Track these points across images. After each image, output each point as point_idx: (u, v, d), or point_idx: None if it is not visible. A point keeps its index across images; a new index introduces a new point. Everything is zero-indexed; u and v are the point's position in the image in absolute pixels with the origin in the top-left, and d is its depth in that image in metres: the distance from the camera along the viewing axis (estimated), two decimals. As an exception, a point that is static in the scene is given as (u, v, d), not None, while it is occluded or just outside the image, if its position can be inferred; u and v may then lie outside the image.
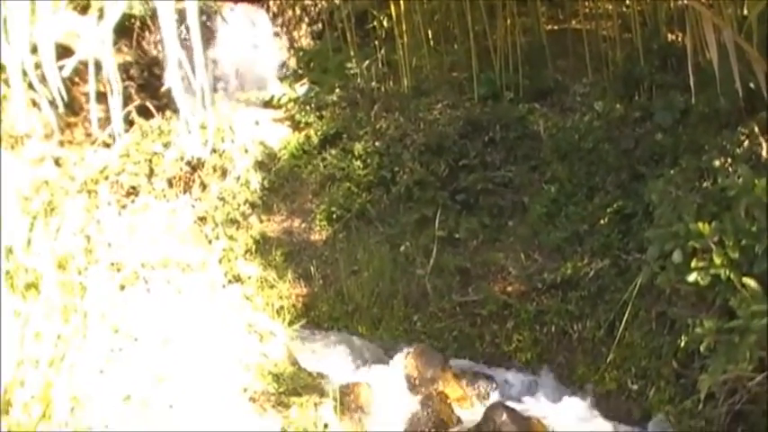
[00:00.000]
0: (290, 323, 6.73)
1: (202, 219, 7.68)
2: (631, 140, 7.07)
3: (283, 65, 10.12)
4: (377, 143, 8.02)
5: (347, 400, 5.71)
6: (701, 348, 4.53)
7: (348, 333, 7.05)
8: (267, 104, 9.34)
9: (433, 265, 7.15)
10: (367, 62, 9.09)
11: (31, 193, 5.99)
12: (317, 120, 8.69)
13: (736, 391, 4.86)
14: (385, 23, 9.36)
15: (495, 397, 6.14)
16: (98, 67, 4.65)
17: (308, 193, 8.17)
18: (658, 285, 5.29)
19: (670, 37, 7.98)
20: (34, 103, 5.11)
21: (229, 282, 7.10)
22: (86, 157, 7.52)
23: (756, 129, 5.69)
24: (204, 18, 9.16)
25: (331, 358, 6.54)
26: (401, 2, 8.75)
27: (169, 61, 4.46)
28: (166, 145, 7.83)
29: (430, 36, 9.05)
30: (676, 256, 4.79)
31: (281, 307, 7.13)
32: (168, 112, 8.00)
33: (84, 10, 5.76)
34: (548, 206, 7.13)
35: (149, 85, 8.62)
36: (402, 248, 7.34)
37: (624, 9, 8.59)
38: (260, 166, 8.25)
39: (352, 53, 9.22)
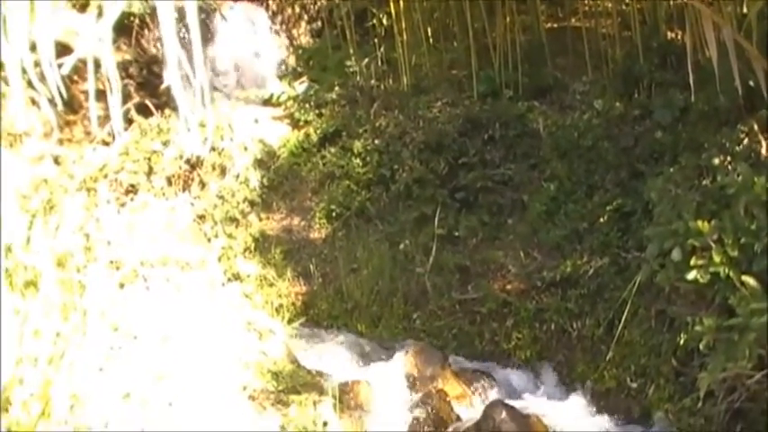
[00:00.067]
0: (290, 321, 6.74)
1: (201, 217, 7.68)
2: (631, 138, 7.07)
3: (282, 63, 10.11)
4: (376, 141, 8.01)
5: (346, 399, 5.71)
6: (701, 346, 4.53)
7: (347, 331, 7.05)
8: (266, 102, 9.33)
9: (432, 263, 7.15)
10: (366, 60, 9.08)
11: (31, 191, 5.98)
12: (317, 118, 8.68)
13: (735, 389, 4.87)
14: (384, 21, 9.35)
15: (494, 395, 6.13)
16: (97, 65, 4.65)
17: (307, 191, 8.17)
18: (658, 283, 5.29)
19: (669, 35, 7.97)
20: (33, 102, 5.11)
21: (229, 280, 7.11)
22: (85, 155, 7.51)
23: (756, 127, 5.68)
24: (203, 16, 9.14)
25: (330, 356, 6.54)
26: (400, 0, 8.74)
27: (168, 59, 4.46)
28: (166, 143, 7.83)
29: (429, 34, 9.04)
30: (676, 254, 4.79)
31: (281, 305, 7.13)
32: (167, 111, 8.00)
33: (83, 8, 5.75)
34: (547, 204, 7.13)
35: (148, 84, 8.60)
36: (401, 246, 7.33)
37: (624, 7, 8.58)
38: (259, 164, 8.24)
39: (351, 51, 9.21)
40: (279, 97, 9.22)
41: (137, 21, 9.11)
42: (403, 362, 6.22)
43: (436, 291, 7.02)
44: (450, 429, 5.64)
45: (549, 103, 8.07)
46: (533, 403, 6.01)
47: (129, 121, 7.80)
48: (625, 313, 6.04)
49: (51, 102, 4.67)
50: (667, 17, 8.14)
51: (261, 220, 7.90)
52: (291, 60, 10.13)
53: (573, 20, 8.98)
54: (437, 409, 5.76)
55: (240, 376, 5.52)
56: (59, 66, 4.43)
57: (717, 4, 6.18)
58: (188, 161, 7.83)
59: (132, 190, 7.55)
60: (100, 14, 4.52)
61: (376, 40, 9.31)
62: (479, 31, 8.58)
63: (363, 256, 7.36)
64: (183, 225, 7.14)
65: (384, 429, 5.67)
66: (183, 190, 7.78)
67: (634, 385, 5.89)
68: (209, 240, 7.46)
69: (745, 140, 5.71)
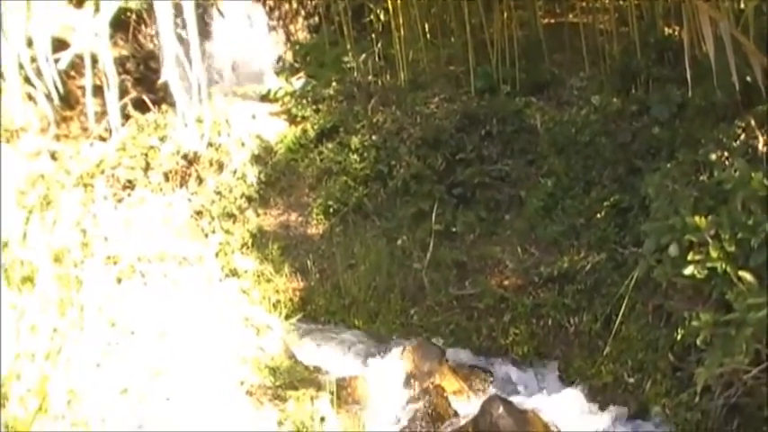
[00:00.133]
0: (287, 317, 6.75)
1: (199, 212, 7.68)
2: (628, 134, 7.07)
3: (280, 58, 10.10)
4: (374, 137, 8.01)
5: (344, 394, 5.71)
6: (698, 341, 4.54)
7: (345, 327, 7.06)
8: (264, 98, 9.32)
9: (429, 258, 7.15)
10: (364, 56, 9.07)
11: (28, 186, 5.98)
12: (314, 113, 8.67)
13: (732, 384, 4.88)
14: (382, 17, 9.34)
15: (491, 390, 6.13)
16: (94, 60, 4.65)
17: (304, 186, 8.16)
18: (655, 279, 5.29)
19: (667, 30, 7.96)
20: (30, 97, 5.11)
21: (226, 276, 7.11)
22: (82, 150, 7.51)
23: (753, 122, 5.68)
24: (200, 11, 9.13)
25: (328, 352, 6.54)
26: (398, -5, 8.75)
27: (166, 55, 4.46)
28: (163, 139, 7.82)
29: (427, 29, 9.04)
30: (673, 250, 4.80)
31: (278, 301, 7.13)
32: (164, 106, 7.99)
33: (79, 3, 5.74)
34: (544, 200, 7.13)
35: (146, 79, 8.60)
36: (399, 242, 7.34)
37: (621, 2, 8.57)
38: (256, 159, 8.24)
39: (348, 47, 9.20)
40: (276, 93, 9.22)
41: (134, 16, 9.10)
42: (400, 357, 6.22)
43: (433, 286, 7.02)
44: (448, 425, 5.63)
45: (546, 99, 8.07)
46: (531, 399, 6.02)
47: (126, 117, 7.79)
48: (622, 308, 6.04)
49: (48, 97, 4.67)
50: (665, 13, 8.14)
51: (258, 215, 7.89)
52: (288, 56, 10.13)
53: (570, 16, 8.99)
54: (434, 404, 5.76)
55: (237, 372, 5.52)
56: (56, 61, 4.43)
57: (714, -1, 6.18)
58: (185, 157, 7.83)
59: (129, 186, 7.55)
60: (97, 10, 4.52)
61: (373, 36, 9.31)
62: (477, 27, 8.58)
63: (361, 252, 7.37)
64: (180, 221, 7.14)
65: (381, 425, 5.68)
66: (181, 186, 7.78)
67: (631, 380, 5.89)
68: (206, 236, 7.46)
69: (743, 136, 5.71)
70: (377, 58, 9.12)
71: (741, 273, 4.39)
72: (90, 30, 4.55)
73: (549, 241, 6.92)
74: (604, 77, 7.93)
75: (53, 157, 7.12)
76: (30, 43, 4.45)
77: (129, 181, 7.57)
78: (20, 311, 4.44)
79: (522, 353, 6.58)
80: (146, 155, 7.72)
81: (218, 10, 9.72)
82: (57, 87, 4.43)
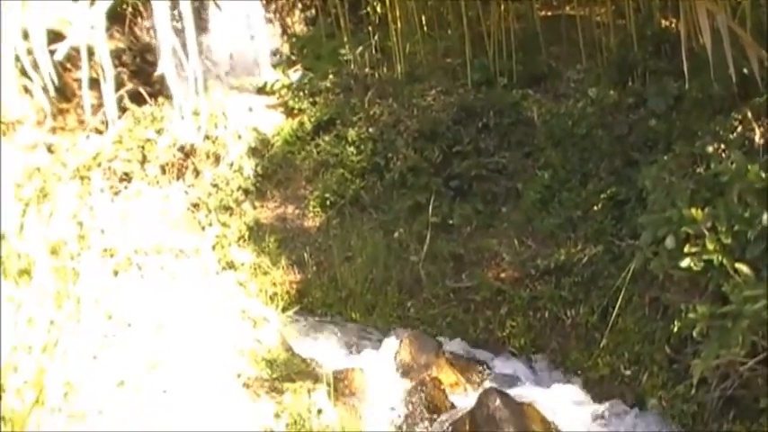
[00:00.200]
0: (284, 309, 6.74)
1: (196, 205, 7.68)
2: (625, 126, 7.07)
3: (276, 51, 10.10)
4: (370, 129, 8.02)
5: (341, 386, 5.71)
6: (694, 333, 4.54)
7: (342, 319, 7.07)
8: (260, 91, 9.33)
9: (426, 251, 7.16)
10: (360, 48, 9.07)
11: (24, 179, 5.97)
12: (311, 106, 8.68)
13: (728, 376, 4.89)
14: (378, 9, 9.33)
15: (488, 382, 6.14)
16: (90, 53, 4.63)
17: (301, 179, 8.17)
18: (651, 271, 5.31)
19: (664, 23, 7.96)
20: (26, 90, 5.10)
21: (223, 268, 7.11)
22: (79, 143, 7.50)
23: (750, 114, 5.68)
24: (197, 4, 9.11)
25: (324, 344, 6.55)
26: (395, -12, 8.73)
27: (162, 48, 4.45)
28: (159, 131, 7.82)
29: (423, 22, 9.04)
30: (669, 242, 4.80)
31: (275, 293, 7.14)
32: (161, 99, 7.99)
33: (76, -5, 5.73)
34: (541, 192, 7.14)
35: (142, 72, 8.59)
36: (396, 235, 7.35)
37: (618, -5, 8.58)
38: (253, 152, 8.24)
39: (345, 39, 9.20)
40: (273, 85, 9.22)
41: (130, 8, 9.09)
42: (397, 350, 6.23)
43: (430, 279, 7.03)
44: (445, 417, 5.64)
45: (543, 92, 8.07)
46: (527, 390, 6.02)
47: (122, 110, 7.79)
48: (619, 301, 6.05)
49: (44, 90, 4.65)
50: (661, 5, 8.13)
51: (255, 208, 7.90)
52: (285, 49, 10.12)
53: (567, 8, 8.98)
54: (431, 396, 5.76)
55: (234, 364, 5.52)
56: (52, 53, 4.42)
57: (711, -9, 6.17)
58: (182, 149, 7.83)
59: (126, 178, 7.55)
60: (93, 2, 4.50)
61: (370, 28, 9.30)
62: (474, 20, 8.57)
63: (357, 245, 7.37)
64: (177, 213, 7.13)
65: (378, 417, 5.68)
66: (177, 178, 7.78)
67: (628, 372, 5.90)
68: (203, 229, 7.46)
69: (739, 128, 5.71)
70: (374, 51, 9.12)
71: (737, 265, 4.40)
72: (86, 22, 4.53)
73: (545, 234, 6.93)
74: (601, 70, 7.93)
75: (50, 149, 7.12)
76: (26, 35, 4.43)
77: (126, 173, 7.57)
78: (17, 304, 4.43)
79: (519, 345, 6.59)
80: (142, 147, 7.71)
81: (215, 2, 9.69)
82: (53, 80, 4.41)
